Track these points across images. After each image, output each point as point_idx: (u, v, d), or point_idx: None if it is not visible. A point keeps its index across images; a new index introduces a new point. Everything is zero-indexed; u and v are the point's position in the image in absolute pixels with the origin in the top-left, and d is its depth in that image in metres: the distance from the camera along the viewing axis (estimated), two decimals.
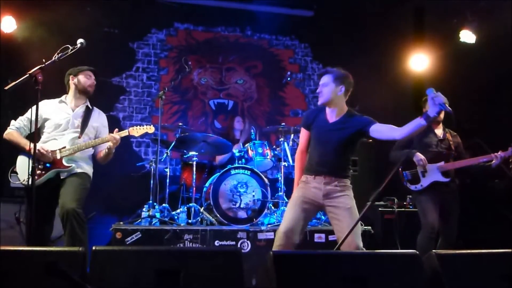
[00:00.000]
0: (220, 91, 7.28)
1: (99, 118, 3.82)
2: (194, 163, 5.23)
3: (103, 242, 4.69)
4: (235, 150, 5.38)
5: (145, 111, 6.92)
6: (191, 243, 4.46)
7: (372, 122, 3.12)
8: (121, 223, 4.65)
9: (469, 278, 2.42)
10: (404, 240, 4.85)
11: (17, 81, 3.02)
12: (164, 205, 5.06)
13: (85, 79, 3.74)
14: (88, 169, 3.69)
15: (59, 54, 3.22)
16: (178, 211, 5.02)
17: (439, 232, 4.12)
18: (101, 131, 3.81)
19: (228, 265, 2.30)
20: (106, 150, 3.61)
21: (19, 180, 3.48)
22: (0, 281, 2.04)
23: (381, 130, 3.08)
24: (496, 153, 4.00)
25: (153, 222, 4.72)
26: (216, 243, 4.52)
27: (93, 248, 2.16)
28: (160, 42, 7.13)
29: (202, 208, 5.03)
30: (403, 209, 5.20)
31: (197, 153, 5.28)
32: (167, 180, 5.38)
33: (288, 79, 7.35)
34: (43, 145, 3.48)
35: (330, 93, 3.20)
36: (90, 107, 3.79)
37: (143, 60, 7.02)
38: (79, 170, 3.59)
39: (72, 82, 3.75)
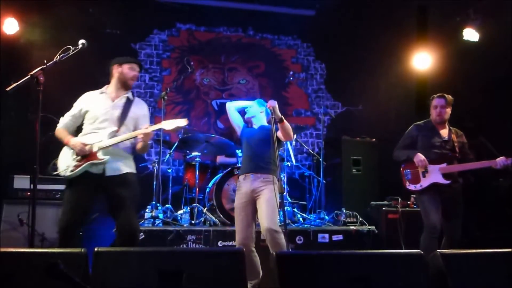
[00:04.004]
0: (223, 91, 7.27)
1: (138, 109, 3.69)
2: (197, 163, 5.22)
3: (106, 243, 4.67)
4: (238, 151, 5.37)
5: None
6: (194, 244, 4.46)
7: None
8: None
9: (474, 277, 2.40)
10: (408, 240, 4.83)
11: (18, 82, 3.02)
12: (167, 205, 5.06)
13: (128, 70, 3.63)
14: (132, 165, 3.61)
15: (61, 55, 3.22)
16: (181, 211, 5.02)
17: (443, 231, 4.09)
18: (141, 121, 3.66)
19: (231, 265, 2.29)
20: (141, 144, 3.51)
21: (57, 171, 3.47)
22: (3, 282, 2.03)
23: (279, 135, 3.81)
24: (500, 160, 3.94)
25: (156, 222, 4.72)
26: (219, 243, 4.52)
27: (96, 249, 2.15)
28: (162, 43, 7.14)
29: (205, 208, 5.02)
30: (407, 209, 5.17)
31: (200, 154, 5.27)
32: (170, 181, 5.39)
33: (291, 78, 7.34)
34: (80, 139, 3.45)
35: (253, 111, 4.04)
36: (131, 98, 3.68)
37: (145, 61, 7.02)
38: (128, 170, 3.51)
39: (116, 71, 3.64)
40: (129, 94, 3.67)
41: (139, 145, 3.55)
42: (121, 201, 3.39)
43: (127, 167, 3.51)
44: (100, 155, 3.39)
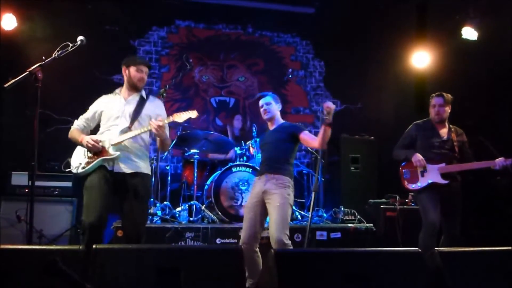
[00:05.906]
0: (222, 89, 7.26)
1: (154, 106, 3.64)
2: (196, 160, 5.22)
3: (105, 241, 4.67)
4: (237, 148, 5.36)
5: None
6: (192, 241, 4.46)
7: (301, 130, 3.79)
8: None
9: (471, 275, 2.40)
10: (406, 238, 4.84)
11: (16, 79, 3.01)
12: (165, 203, 5.06)
13: (135, 72, 3.59)
14: (147, 167, 3.56)
15: (59, 52, 3.21)
16: (180, 209, 5.02)
17: (441, 229, 4.10)
18: (156, 119, 3.53)
19: (230, 263, 2.29)
20: (158, 141, 3.50)
21: (69, 168, 3.48)
22: (1, 279, 2.03)
23: (305, 139, 3.74)
24: (499, 161, 3.94)
25: (155, 220, 4.72)
26: (218, 241, 4.52)
27: (94, 246, 2.15)
28: (161, 40, 7.11)
29: (204, 206, 5.02)
30: (405, 207, 5.17)
31: (198, 151, 5.27)
32: (169, 178, 5.38)
33: (290, 76, 7.33)
34: (92, 136, 3.43)
35: (274, 110, 3.93)
36: (145, 97, 3.64)
37: (144, 58, 7.00)
38: (139, 170, 3.45)
39: (124, 73, 3.65)
40: (142, 93, 3.65)
41: (158, 142, 3.56)
42: (128, 201, 3.36)
43: (138, 166, 3.46)
44: (111, 150, 3.39)
